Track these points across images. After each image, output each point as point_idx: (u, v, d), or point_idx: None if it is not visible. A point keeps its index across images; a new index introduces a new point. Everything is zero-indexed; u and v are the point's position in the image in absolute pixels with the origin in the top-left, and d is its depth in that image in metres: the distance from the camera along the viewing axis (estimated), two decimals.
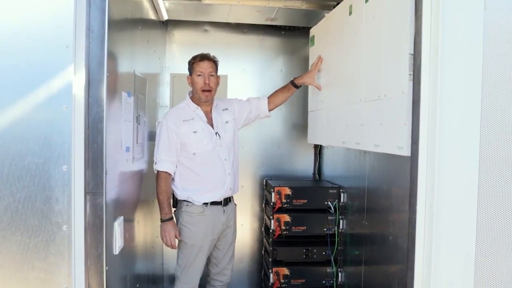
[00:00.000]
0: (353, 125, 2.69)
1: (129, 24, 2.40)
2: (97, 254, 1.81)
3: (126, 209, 2.35)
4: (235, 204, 3.25)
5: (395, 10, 2.17)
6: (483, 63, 1.84)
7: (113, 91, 2.03)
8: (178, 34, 4.02)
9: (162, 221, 2.92)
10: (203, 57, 2.99)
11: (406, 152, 2.04)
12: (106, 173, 1.84)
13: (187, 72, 3.05)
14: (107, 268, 1.84)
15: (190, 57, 3.05)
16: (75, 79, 1.69)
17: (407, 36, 2.02)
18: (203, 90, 2.96)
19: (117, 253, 2.04)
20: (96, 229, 1.82)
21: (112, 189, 1.99)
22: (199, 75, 2.96)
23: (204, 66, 2.97)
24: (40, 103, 1.62)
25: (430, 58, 1.84)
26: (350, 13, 2.75)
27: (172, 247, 2.97)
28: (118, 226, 2.06)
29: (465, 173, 1.84)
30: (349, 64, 2.77)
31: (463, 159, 1.83)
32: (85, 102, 1.73)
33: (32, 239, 1.64)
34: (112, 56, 2.00)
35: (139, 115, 2.62)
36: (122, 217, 2.14)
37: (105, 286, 1.83)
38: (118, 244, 2.05)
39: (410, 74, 2.03)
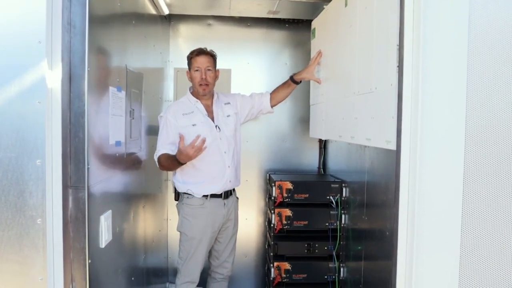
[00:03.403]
0: (348, 118, 2.65)
1: (118, 19, 2.41)
2: (79, 248, 1.83)
3: (116, 202, 2.36)
4: (237, 198, 3.27)
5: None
6: (468, 52, 1.78)
7: (98, 86, 2.04)
8: (182, 29, 4.02)
9: (179, 162, 2.80)
10: (200, 52, 3.01)
11: (393, 146, 2.00)
12: (88, 167, 1.85)
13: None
14: (90, 261, 1.86)
15: None
16: (51, 74, 1.70)
17: (395, 26, 1.97)
18: (200, 84, 2.98)
19: (103, 246, 2.06)
20: (78, 222, 1.84)
21: (97, 183, 2.00)
22: (197, 70, 3.00)
23: (201, 61, 2.99)
24: (12, 99, 1.63)
25: (413, 49, 1.78)
26: (346, 4, 2.70)
27: (198, 147, 2.71)
28: (104, 220, 2.07)
29: (449, 168, 1.78)
30: (344, 56, 2.73)
31: (447, 154, 1.78)
32: (63, 97, 1.74)
33: (6, 232, 1.66)
34: (96, 51, 2.01)
35: (133, 109, 2.63)
36: (110, 211, 2.16)
37: (87, 279, 1.85)
38: (105, 238, 2.07)
39: (397, 66, 1.98)
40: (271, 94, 3.29)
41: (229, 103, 3.19)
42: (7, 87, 1.63)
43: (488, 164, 1.81)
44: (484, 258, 1.83)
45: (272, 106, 3.29)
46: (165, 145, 2.95)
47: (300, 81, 3.27)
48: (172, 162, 2.85)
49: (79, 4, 1.81)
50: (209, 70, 3.00)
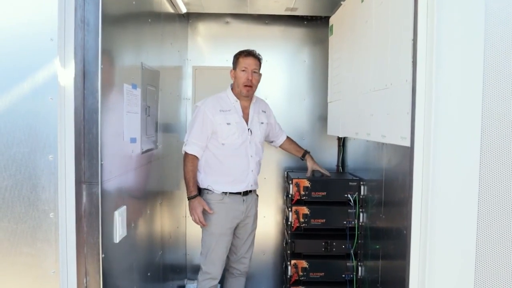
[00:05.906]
0: (364, 115, 2.62)
1: (133, 18, 2.43)
2: (93, 242, 1.86)
3: (131, 198, 2.39)
4: (257, 195, 3.31)
5: None
6: (485, 45, 1.73)
7: (112, 83, 2.06)
8: (200, 27, 4.04)
9: (189, 199, 3.06)
10: (249, 53, 3.10)
11: (408, 142, 1.96)
12: (102, 163, 1.87)
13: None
14: (103, 255, 1.88)
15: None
16: (64, 71, 1.73)
17: (410, 21, 1.94)
18: (245, 85, 3.05)
19: (117, 241, 2.08)
20: (92, 217, 1.86)
21: (111, 179, 2.03)
22: (243, 70, 3.06)
23: (249, 62, 3.07)
24: (25, 95, 1.67)
25: (427, 43, 1.75)
26: (362, 0, 2.67)
27: (201, 223, 3.04)
28: (119, 215, 2.10)
29: (464, 164, 1.74)
30: (361, 52, 2.70)
31: (462, 150, 1.73)
32: (76, 94, 1.77)
33: (19, 225, 1.70)
34: (110, 49, 2.03)
35: (148, 107, 2.66)
36: (124, 207, 2.18)
37: (101, 273, 1.87)
38: (119, 233, 2.09)
39: (412, 62, 1.95)
40: (285, 140, 3.53)
41: (265, 112, 3.29)
42: (19, 83, 1.66)
43: (506, 161, 1.76)
44: (502, 257, 1.77)
45: (279, 146, 3.55)
46: (197, 140, 3.03)
47: (304, 159, 3.57)
48: (187, 186, 3.06)
49: (92, 3, 1.84)
50: (255, 72, 3.09)
